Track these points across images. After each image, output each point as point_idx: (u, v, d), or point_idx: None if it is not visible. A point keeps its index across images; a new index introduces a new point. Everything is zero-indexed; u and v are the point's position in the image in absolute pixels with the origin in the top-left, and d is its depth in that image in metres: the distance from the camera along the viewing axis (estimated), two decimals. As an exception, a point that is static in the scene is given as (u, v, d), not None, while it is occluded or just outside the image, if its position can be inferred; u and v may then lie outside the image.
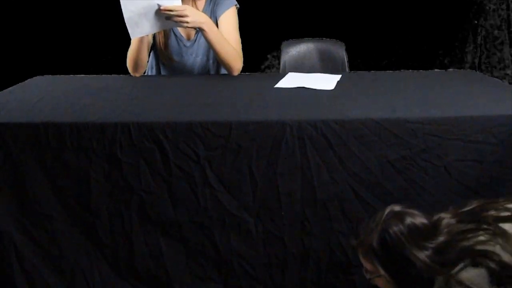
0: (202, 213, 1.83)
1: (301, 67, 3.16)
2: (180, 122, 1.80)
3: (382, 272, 1.47)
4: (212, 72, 2.65)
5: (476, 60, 4.54)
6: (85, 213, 1.84)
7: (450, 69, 4.28)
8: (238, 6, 2.59)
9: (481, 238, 1.40)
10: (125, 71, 2.57)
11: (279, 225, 1.84)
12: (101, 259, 1.87)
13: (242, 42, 2.57)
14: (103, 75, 2.63)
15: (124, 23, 2.30)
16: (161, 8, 2.25)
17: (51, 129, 1.79)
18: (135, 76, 2.55)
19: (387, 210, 1.50)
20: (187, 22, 2.31)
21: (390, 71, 2.80)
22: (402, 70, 2.79)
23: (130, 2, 2.25)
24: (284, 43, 3.33)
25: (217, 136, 1.79)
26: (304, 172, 1.80)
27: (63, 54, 4.32)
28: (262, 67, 4.62)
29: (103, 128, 1.79)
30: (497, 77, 4.30)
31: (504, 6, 4.43)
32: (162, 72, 2.67)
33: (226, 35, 2.48)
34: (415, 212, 1.48)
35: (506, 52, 4.49)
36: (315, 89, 2.20)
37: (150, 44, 2.58)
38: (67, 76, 2.63)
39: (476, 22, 4.50)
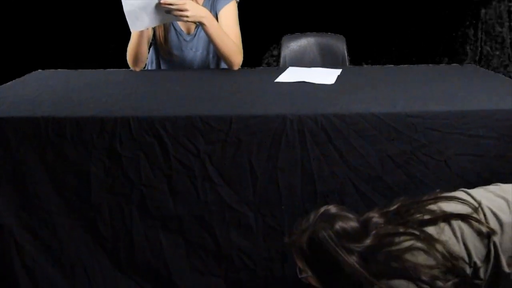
0: (202, 207, 1.83)
1: (302, 61, 3.15)
2: (180, 116, 1.80)
3: (310, 273, 1.48)
4: (212, 66, 2.65)
5: (477, 55, 4.53)
6: (85, 207, 1.84)
7: (451, 64, 4.27)
8: (238, 0, 2.58)
9: (406, 244, 1.40)
10: (125, 65, 2.57)
11: (279, 219, 1.84)
12: (102, 253, 1.87)
13: (242, 37, 2.56)
14: (103, 69, 2.63)
15: (124, 17, 2.30)
16: (161, 1, 2.25)
17: (51, 123, 1.79)
18: (135, 70, 2.55)
19: (319, 212, 1.50)
20: (187, 16, 2.30)
21: (391, 66, 2.80)
22: (402, 65, 2.79)
23: None
24: (284, 38, 3.33)
25: (217, 130, 1.79)
26: (304, 166, 1.80)
27: (63, 48, 4.31)
28: (263, 61, 4.61)
29: (103, 122, 1.79)
30: (497, 71, 4.30)
31: (506, 2, 4.42)
32: (162, 67, 2.66)
33: (226, 30, 2.47)
34: (347, 214, 1.48)
35: (507, 46, 4.49)
36: (315, 83, 2.20)
37: (150, 38, 2.58)
38: (67, 70, 2.63)
39: (477, 16, 4.48)
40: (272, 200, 1.83)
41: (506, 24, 4.45)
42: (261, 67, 3.93)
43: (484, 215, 1.45)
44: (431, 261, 1.39)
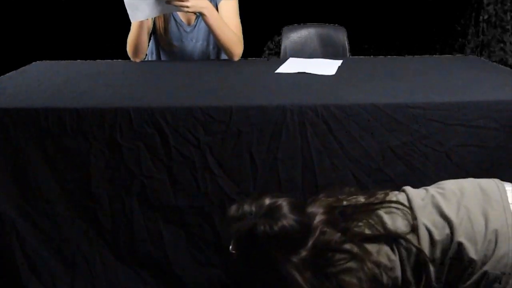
0: (202, 198, 1.83)
1: (302, 52, 3.15)
2: (180, 107, 1.79)
3: (235, 255, 1.49)
4: (212, 57, 2.64)
5: (478, 46, 4.52)
6: (85, 198, 1.84)
7: (452, 55, 4.26)
8: (238, -10, 2.57)
9: (342, 265, 1.43)
10: (125, 56, 2.57)
11: (279, 210, 1.84)
12: (102, 244, 1.87)
13: (243, 28, 2.55)
14: (103, 61, 2.62)
15: (124, 8, 2.29)
16: None
17: (51, 114, 1.79)
18: (135, 61, 2.54)
19: (265, 202, 1.48)
20: (187, 7, 2.30)
21: (391, 56, 2.80)
22: (403, 56, 2.78)
23: None
24: (285, 29, 3.32)
25: (217, 121, 1.78)
26: (304, 157, 1.80)
27: (63, 39, 4.30)
28: (263, 52, 4.60)
29: (103, 113, 1.79)
30: (498, 62, 4.29)
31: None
32: (162, 58, 2.66)
33: (227, 20, 2.46)
34: (289, 215, 1.46)
35: (508, 37, 4.47)
36: (316, 74, 2.20)
37: (150, 29, 2.57)
38: (67, 61, 2.62)
39: (479, 6, 4.47)
40: (272, 191, 1.81)
41: (508, 14, 4.44)
42: (262, 58, 3.92)
43: (418, 234, 1.46)
44: (362, 283, 1.41)
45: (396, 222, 1.49)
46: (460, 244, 1.44)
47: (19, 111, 1.80)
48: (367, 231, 1.47)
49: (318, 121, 1.78)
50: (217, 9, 2.49)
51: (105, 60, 2.63)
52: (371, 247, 1.45)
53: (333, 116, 1.78)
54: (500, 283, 1.43)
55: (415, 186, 1.79)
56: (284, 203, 1.47)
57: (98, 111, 1.79)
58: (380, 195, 1.56)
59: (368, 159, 1.81)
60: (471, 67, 2.37)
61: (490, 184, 1.54)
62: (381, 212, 1.51)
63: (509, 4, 4.43)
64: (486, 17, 4.47)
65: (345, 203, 1.54)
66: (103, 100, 1.87)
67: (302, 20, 3.39)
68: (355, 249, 1.44)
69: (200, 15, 2.42)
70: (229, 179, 1.82)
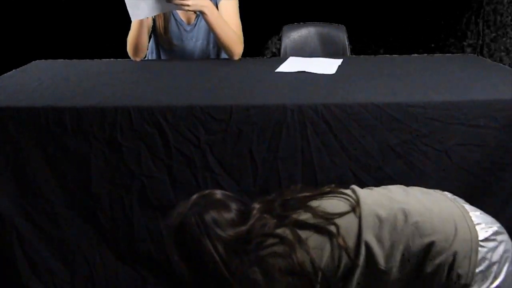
0: (202, 197, 1.83)
1: (302, 51, 3.15)
2: (180, 106, 1.79)
3: (176, 257, 1.46)
4: (212, 56, 2.64)
5: (478, 45, 4.52)
6: (85, 197, 1.84)
7: (452, 54, 4.26)
8: (238, -10, 2.57)
9: (274, 248, 1.39)
10: (125, 56, 2.57)
11: (279, 209, 1.84)
12: (102, 243, 1.87)
13: (243, 27, 2.55)
14: (103, 60, 2.62)
15: (124, 7, 2.29)
16: None
17: (51, 113, 1.79)
18: (135, 60, 2.54)
19: (198, 196, 1.47)
20: (188, 5, 2.30)
21: (391, 56, 2.79)
22: (403, 55, 2.78)
23: None
24: (285, 27, 3.32)
25: (217, 120, 1.78)
26: (304, 156, 1.80)
27: (63, 38, 4.30)
28: (263, 51, 4.60)
29: (104, 112, 1.79)
30: (499, 61, 4.29)
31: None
32: (162, 57, 2.66)
33: (227, 19, 2.46)
34: (228, 203, 1.45)
35: (509, 36, 4.47)
36: (316, 73, 2.20)
37: (150, 28, 2.57)
38: (67, 60, 2.62)
39: (478, 5, 4.47)
40: (273, 190, 1.81)
41: (509, 13, 4.44)
42: (262, 57, 3.92)
43: (361, 211, 1.43)
44: (289, 268, 1.38)
45: (336, 206, 1.46)
46: (417, 225, 1.40)
47: (19, 110, 1.80)
48: (303, 217, 1.44)
49: (318, 120, 1.78)
50: (217, 8, 2.49)
51: (105, 59, 2.63)
52: (304, 233, 1.41)
53: (333, 115, 1.78)
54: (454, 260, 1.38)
55: (415, 185, 1.79)
56: (221, 195, 1.47)
57: (98, 110, 1.79)
58: (325, 189, 1.54)
59: (368, 158, 1.81)
60: (471, 66, 2.37)
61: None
62: (323, 200, 1.49)
63: (508, 3, 4.42)
64: (486, 16, 4.47)
65: (288, 197, 1.51)
66: (103, 99, 1.87)
67: (302, 19, 3.39)
68: (287, 233, 1.41)
69: (200, 13, 2.42)
70: (229, 178, 1.82)
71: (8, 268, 1.87)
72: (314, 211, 1.45)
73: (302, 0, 4.29)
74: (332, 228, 1.41)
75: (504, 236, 1.45)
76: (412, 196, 1.49)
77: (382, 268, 1.39)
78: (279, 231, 1.42)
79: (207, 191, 1.50)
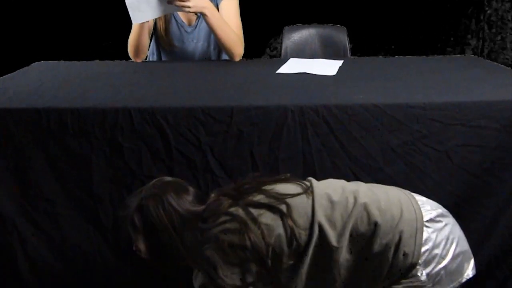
0: (203, 198, 1.83)
1: (303, 52, 3.15)
2: (181, 107, 1.80)
3: (140, 241, 1.54)
4: (213, 57, 2.64)
5: (479, 46, 4.52)
6: (86, 198, 1.84)
7: (452, 55, 4.26)
8: (239, -9, 2.58)
9: (226, 225, 1.45)
10: (127, 57, 2.57)
11: (280, 210, 1.84)
12: (103, 244, 1.87)
13: (243, 28, 2.56)
14: (104, 61, 2.63)
15: (125, 8, 2.30)
16: None
17: (53, 114, 1.79)
18: (136, 62, 2.54)
19: (153, 181, 1.57)
20: (188, 7, 2.30)
21: (392, 57, 2.80)
22: (404, 56, 2.78)
23: None
24: (285, 29, 3.32)
25: (218, 121, 1.79)
26: (305, 157, 1.80)
27: (64, 39, 4.31)
28: (264, 52, 4.60)
29: (105, 113, 1.79)
30: (499, 62, 4.29)
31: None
32: (163, 58, 2.66)
33: (227, 21, 2.47)
34: (184, 185, 1.55)
35: (509, 37, 4.47)
36: (317, 75, 2.20)
37: (151, 30, 2.57)
38: (68, 61, 2.63)
39: (480, 6, 4.47)
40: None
41: (509, 13, 4.44)
42: (262, 58, 3.93)
43: (314, 194, 1.49)
44: (240, 244, 1.44)
45: (289, 188, 1.52)
46: (365, 206, 1.46)
47: (20, 112, 1.80)
48: (256, 198, 1.50)
49: (319, 121, 1.78)
50: (218, 9, 2.50)
51: (106, 61, 2.63)
52: (256, 211, 1.47)
53: (334, 116, 1.78)
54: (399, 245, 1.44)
55: (416, 185, 1.80)
56: (175, 180, 1.58)
57: (99, 111, 1.79)
58: (281, 176, 1.60)
59: (368, 159, 1.81)
60: (471, 67, 2.38)
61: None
62: (277, 184, 1.55)
63: (510, 4, 4.43)
64: (487, 17, 4.47)
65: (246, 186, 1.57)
66: (104, 100, 1.87)
67: (302, 20, 3.39)
68: (239, 212, 1.47)
69: (201, 15, 2.42)
70: (230, 179, 1.82)
71: (9, 268, 1.87)
72: (267, 193, 1.51)
73: (302, 1, 4.30)
74: (283, 207, 1.47)
75: (450, 219, 1.51)
76: (362, 185, 1.57)
77: (334, 247, 1.45)
78: (232, 209, 1.48)
79: (165, 178, 1.60)
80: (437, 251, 1.44)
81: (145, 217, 1.51)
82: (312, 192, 1.51)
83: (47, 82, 2.17)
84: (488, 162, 1.81)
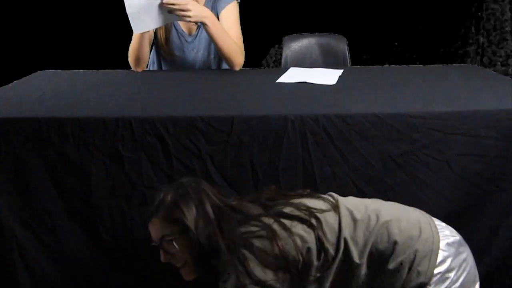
0: (203, 207, 1.83)
1: (303, 62, 3.16)
2: (182, 117, 1.80)
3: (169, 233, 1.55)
4: (213, 67, 2.65)
5: (479, 55, 4.53)
6: (86, 208, 1.84)
7: (452, 64, 4.27)
8: (239, 1, 2.58)
9: (261, 233, 1.49)
10: (127, 66, 2.57)
11: (280, 220, 1.84)
12: (102, 254, 1.87)
13: (244, 37, 2.56)
14: (105, 70, 2.63)
15: (126, 17, 2.30)
16: (164, 1, 2.25)
17: (53, 124, 1.79)
18: (137, 71, 2.55)
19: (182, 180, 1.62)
20: (189, 16, 2.30)
21: (392, 66, 2.81)
22: (403, 65, 2.79)
23: None
24: (285, 38, 3.33)
25: (218, 130, 1.79)
26: (305, 166, 1.80)
27: (65, 49, 4.31)
28: (264, 62, 4.61)
29: (105, 123, 1.79)
30: (499, 72, 4.30)
31: (507, 1, 4.42)
32: (164, 67, 2.67)
33: (228, 30, 2.47)
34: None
35: (509, 46, 4.49)
36: (316, 84, 2.20)
37: (152, 39, 2.58)
38: (69, 71, 2.63)
39: (478, 16, 4.48)
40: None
41: (508, 23, 4.45)
42: (263, 68, 3.93)
43: (340, 211, 1.54)
44: (271, 252, 1.47)
45: (317, 204, 1.57)
46: (386, 224, 1.50)
47: (21, 121, 1.81)
48: (286, 209, 1.55)
49: (319, 130, 1.78)
50: (218, 19, 2.50)
51: (107, 70, 2.63)
52: (288, 222, 1.51)
53: (334, 125, 1.78)
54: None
55: (416, 194, 1.80)
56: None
57: (99, 121, 1.79)
58: (303, 191, 1.66)
59: (369, 168, 1.81)
60: (471, 76, 2.38)
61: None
62: (303, 199, 1.59)
63: (509, 13, 4.44)
64: (486, 26, 4.48)
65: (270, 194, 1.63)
66: (104, 110, 1.87)
67: (302, 29, 3.40)
68: (271, 222, 1.51)
69: (202, 25, 2.43)
70: (230, 189, 1.82)
71: (8, 278, 1.86)
72: (297, 206, 1.55)
73: (302, 11, 4.31)
74: (315, 221, 1.51)
75: (466, 248, 1.55)
76: (384, 203, 1.61)
77: (356, 263, 1.49)
78: (264, 218, 1.52)
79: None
80: (449, 275, 1.47)
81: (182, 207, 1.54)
82: (338, 208, 1.55)
83: (47, 91, 2.17)
84: (489, 171, 1.81)
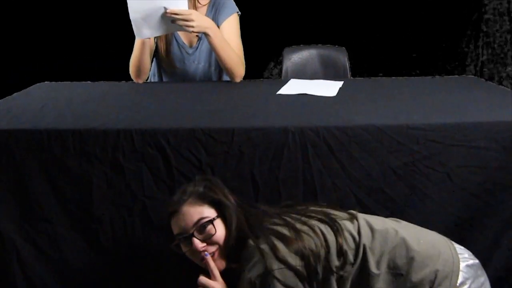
0: (204, 219, 1.82)
1: (303, 73, 3.16)
2: (182, 129, 1.80)
3: (205, 214, 1.58)
4: (214, 78, 2.66)
5: (478, 66, 4.54)
6: (87, 219, 1.84)
7: (452, 75, 4.28)
8: (239, 13, 2.59)
9: (283, 231, 1.52)
10: (128, 78, 2.58)
11: (281, 231, 1.83)
12: (103, 265, 1.86)
13: (244, 49, 2.57)
14: (106, 82, 2.63)
15: (127, 29, 2.31)
16: (168, 11, 2.26)
17: (54, 135, 1.80)
18: (138, 83, 2.55)
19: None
20: (192, 27, 2.31)
21: (392, 77, 2.81)
22: (404, 77, 2.79)
23: (136, 2, 2.26)
24: (286, 50, 3.34)
25: (219, 142, 1.79)
26: (306, 178, 1.80)
27: (66, 60, 4.33)
28: (264, 73, 4.62)
29: (106, 134, 1.79)
30: (499, 83, 4.31)
31: (506, 17, 4.44)
32: (164, 79, 2.67)
33: (228, 42, 2.48)
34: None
35: (508, 58, 4.50)
36: (317, 96, 2.21)
37: (153, 50, 2.59)
38: (70, 82, 2.64)
39: (477, 28, 4.50)
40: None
41: (507, 36, 4.46)
42: (263, 79, 3.94)
43: (358, 222, 1.57)
44: (295, 243, 1.49)
45: (335, 212, 1.60)
46: (404, 240, 1.51)
47: (22, 132, 1.81)
48: (309, 214, 1.59)
49: (320, 142, 1.78)
50: (218, 30, 2.51)
51: (108, 82, 2.64)
52: (311, 221, 1.55)
53: (334, 137, 1.78)
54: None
55: (417, 206, 1.80)
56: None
57: (100, 132, 1.80)
58: (322, 204, 1.69)
59: (369, 180, 1.81)
60: (471, 88, 2.39)
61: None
62: (323, 208, 1.63)
63: (507, 25, 4.46)
64: (485, 38, 4.50)
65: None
66: (105, 122, 1.88)
67: (303, 41, 3.41)
68: (292, 220, 1.55)
69: (204, 35, 2.43)
70: (231, 200, 1.82)
71: (8, 289, 1.86)
72: (318, 212, 1.58)
73: (303, 22, 4.33)
74: (337, 226, 1.53)
75: (483, 272, 1.57)
76: (402, 222, 1.63)
77: (372, 273, 1.50)
78: (285, 217, 1.56)
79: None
80: None
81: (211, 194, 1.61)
82: (357, 218, 1.59)
83: (49, 103, 2.17)
84: (489, 183, 1.81)
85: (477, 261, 1.56)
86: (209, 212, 1.59)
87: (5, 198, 1.82)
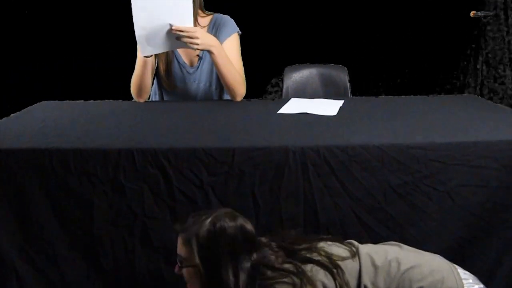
0: (205, 239, 1.82)
1: (304, 92, 3.17)
2: (183, 148, 1.81)
3: (196, 261, 1.49)
4: (215, 98, 2.66)
5: (478, 86, 4.56)
6: (87, 239, 1.83)
7: (452, 94, 4.29)
8: (240, 32, 2.61)
9: (285, 280, 1.47)
10: (129, 97, 2.59)
11: (282, 251, 1.83)
12: (103, 286, 1.86)
13: (245, 68, 2.58)
14: (107, 101, 2.64)
15: (128, 48, 2.32)
16: (173, 28, 2.27)
17: (55, 154, 1.80)
18: (139, 102, 2.56)
19: (221, 209, 1.58)
20: (197, 44, 2.32)
21: (392, 97, 2.82)
22: (404, 96, 2.80)
23: (142, 19, 2.27)
24: (286, 69, 3.35)
25: (220, 162, 1.79)
26: (306, 197, 1.80)
27: (67, 79, 4.35)
28: (265, 92, 4.64)
29: (107, 154, 1.80)
30: (499, 102, 4.31)
31: (504, 33, 4.46)
32: (165, 98, 2.68)
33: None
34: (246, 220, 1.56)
35: (508, 77, 4.51)
36: (317, 115, 2.21)
37: (154, 69, 2.60)
38: (71, 101, 2.64)
39: (477, 46, 4.52)
40: (275, 231, 1.82)
41: (506, 54, 4.48)
42: (264, 99, 3.95)
43: (360, 258, 1.54)
44: None
45: (337, 251, 1.56)
46: (407, 271, 1.50)
47: (23, 152, 1.81)
48: (309, 255, 1.54)
49: (320, 161, 1.78)
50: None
51: (109, 101, 2.65)
52: (310, 267, 1.51)
53: (335, 156, 1.79)
54: None
55: (417, 225, 1.79)
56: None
57: (101, 151, 1.80)
58: (324, 236, 1.66)
59: (370, 199, 1.81)
60: (471, 107, 2.39)
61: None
62: (324, 243, 1.59)
63: (507, 43, 4.48)
64: (485, 56, 4.52)
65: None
66: (106, 141, 1.89)
67: (303, 60, 3.42)
68: (293, 269, 1.49)
69: (208, 53, 2.44)
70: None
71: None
72: (319, 252, 1.54)
73: (303, 41, 4.35)
74: (336, 269, 1.51)
75: None
76: (405, 250, 1.60)
77: None
78: (287, 265, 1.51)
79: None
80: None
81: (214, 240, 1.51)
82: (358, 255, 1.55)
83: (50, 122, 2.18)
84: (490, 202, 1.81)
85: (482, 285, 1.55)
86: (189, 256, 1.52)
87: (5, 217, 1.82)
